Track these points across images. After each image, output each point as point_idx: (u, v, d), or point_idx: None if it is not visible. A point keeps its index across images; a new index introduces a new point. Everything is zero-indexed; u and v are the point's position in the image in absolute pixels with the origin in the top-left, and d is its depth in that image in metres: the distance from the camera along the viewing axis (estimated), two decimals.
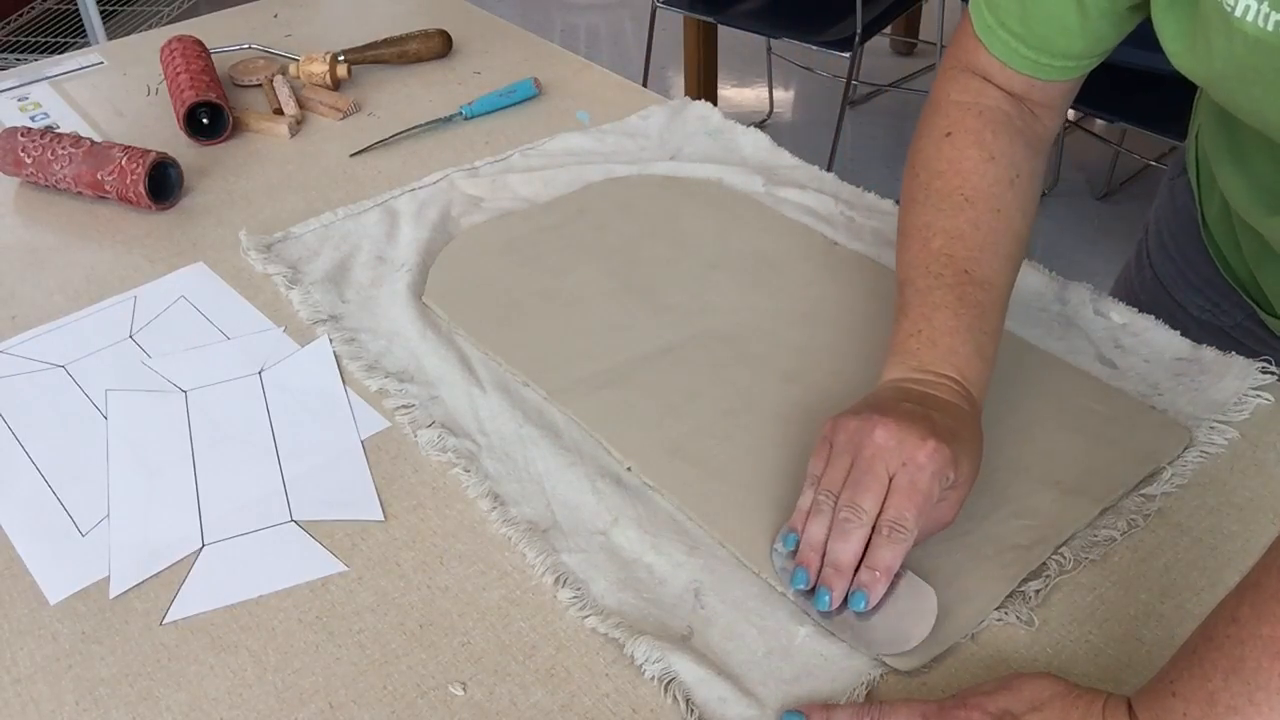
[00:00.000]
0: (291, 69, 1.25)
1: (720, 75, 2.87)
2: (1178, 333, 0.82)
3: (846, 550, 0.61)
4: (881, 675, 0.60)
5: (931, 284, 0.70)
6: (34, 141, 1.05)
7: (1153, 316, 0.84)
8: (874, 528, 0.61)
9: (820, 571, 0.62)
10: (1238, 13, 0.59)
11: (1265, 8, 0.57)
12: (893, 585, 0.62)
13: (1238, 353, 0.79)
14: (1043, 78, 0.74)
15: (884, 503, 0.61)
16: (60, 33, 2.92)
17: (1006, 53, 0.74)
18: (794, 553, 0.64)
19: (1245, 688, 0.47)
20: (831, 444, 0.65)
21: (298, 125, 1.17)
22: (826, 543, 0.62)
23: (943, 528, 0.64)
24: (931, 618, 0.61)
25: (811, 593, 0.62)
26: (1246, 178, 0.76)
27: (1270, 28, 0.58)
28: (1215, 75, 0.64)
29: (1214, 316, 0.88)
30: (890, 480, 0.61)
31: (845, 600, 0.61)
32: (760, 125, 1.55)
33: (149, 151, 1.03)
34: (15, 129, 1.07)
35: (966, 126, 0.74)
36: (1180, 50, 0.65)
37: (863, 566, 0.61)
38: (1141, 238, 0.99)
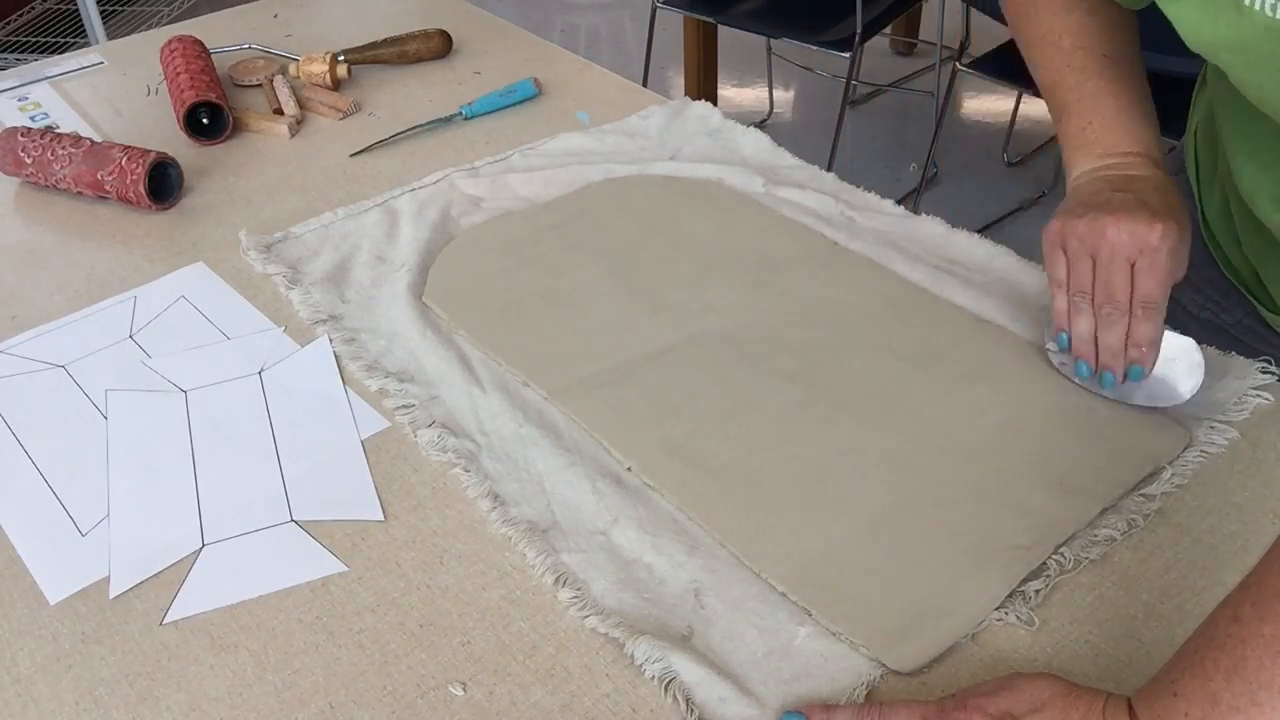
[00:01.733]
0: (291, 69, 1.25)
1: (720, 75, 2.87)
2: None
3: (1116, 337, 0.72)
4: (881, 675, 0.60)
5: (1080, 79, 0.77)
6: (34, 141, 1.05)
7: None
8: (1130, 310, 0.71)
9: (1098, 359, 0.73)
10: (1246, 1, 0.59)
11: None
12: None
13: (1238, 351, 0.79)
14: None
15: (1132, 285, 0.71)
16: (60, 33, 2.92)
17: None
18: (1067, 351, 0.76)
19: (1247, 687, 0.47)
20: (1064, 249, 0.73)
21: (298, 125, 1.17)
22: (1095, 334, 0.73)
23: (1178, 281, 0.73)
24: (1200, 369, 0.74)
25: (1093, 380, 0.75)
26: (1262, 170, 0.76)
27: (1279, 15, 0.58)
28: (1225, 60, 0.65)
29: (1214, 315, 0.88)
30: (1132, 267, 0.71)
31: (1125, 374, 0.73)
32: (760, 125, 1.55)
33: (149, 151, 1.03)
34: (15, 129, 1.07)
35: None
36: (1192, 31, 0.65)
37: (1130, 345, 0.72)
38: None
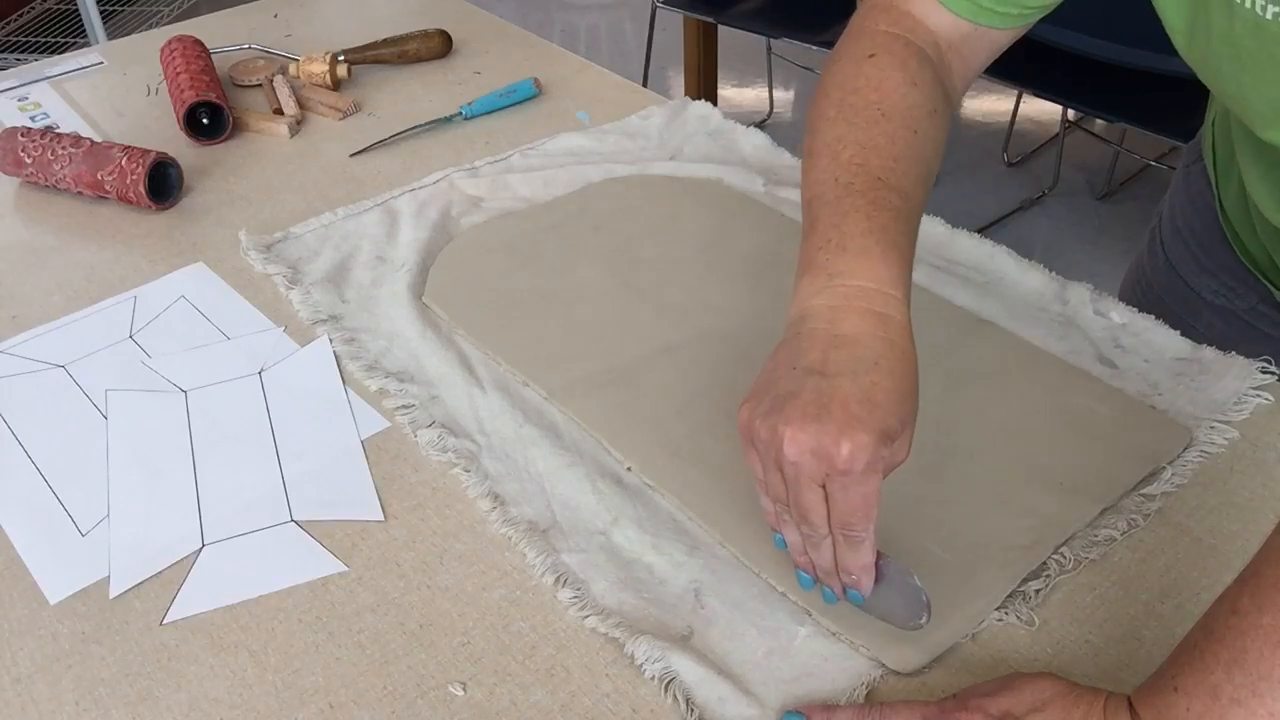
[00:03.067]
0: (291, 69, 1.25)
1: (720, 75, 2.87)
2: (1186, 327, 0.82)
3: (823, 558, 0.60)
4: (881, 675, 0.60)
5: (840, 194, 0.63)
6: (34, 141, 1.05)
7: (1163, 306, 0.84)
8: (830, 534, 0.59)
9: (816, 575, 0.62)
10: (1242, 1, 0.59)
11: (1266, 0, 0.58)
12: (882, 568, 0.61)
13: (1252, 336, 0.79)
14: (982, 23, 0.70)
15: (828, 509, 0.58)
16: (60, 33, 2.92)
17: None
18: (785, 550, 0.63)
19: (1248, 678, 0.47)
20: (754, 443, 0.60)
21: (298, 125, 1.17)
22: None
23: (898, 466, 0.59)
24: (923, 597, 0.60)
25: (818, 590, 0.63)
26: (1265, 176, 0.77)
27: (1270, 16, 0.58)
28: (1212, 55, 0.64)
29: (1229, 300, 0.88)
30: (824, 488, 0.57)
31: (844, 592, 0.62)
32: (760, 125, 1.55)
33: (149, 151, 1.03)
34: (15, 129, 1.07)
35: (892, 51, 0.69)
36: (1181, 28, 0.65)
37: (840, 569, 0.60)
38: (1154, 225, 0.99)
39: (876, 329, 0.59)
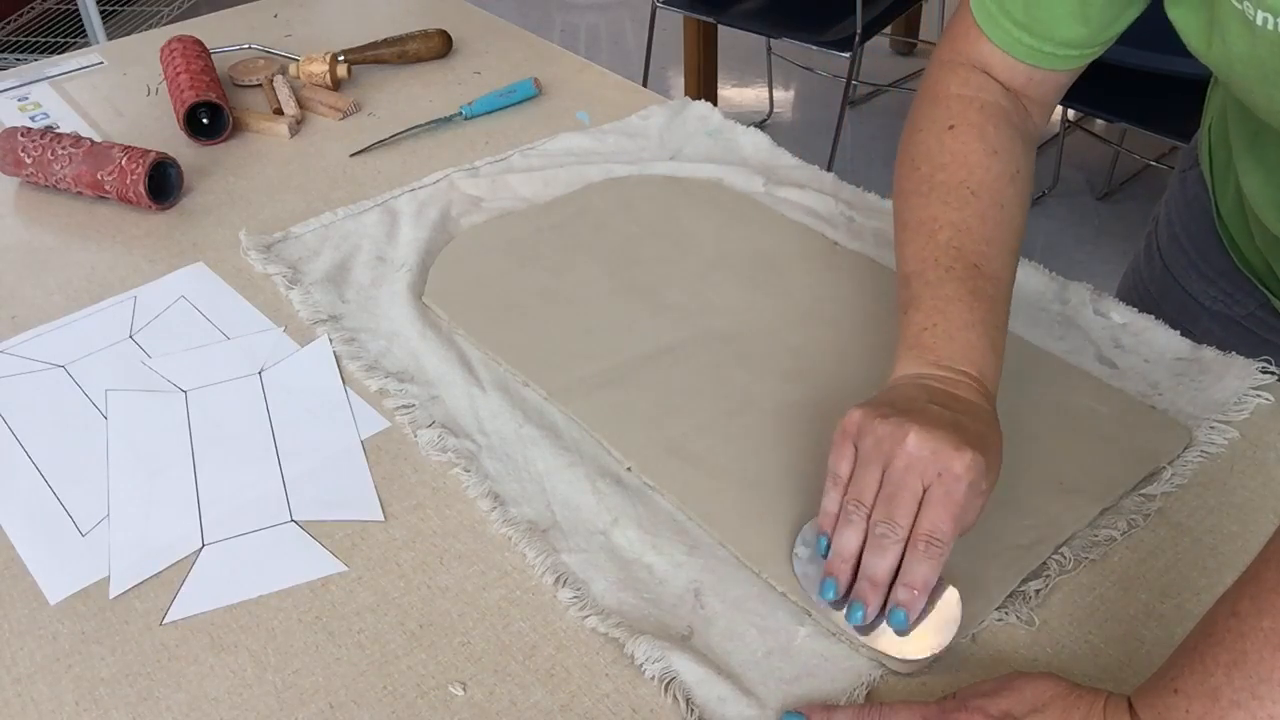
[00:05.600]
0: (291, 69, 1.25)
1: (720, 75, 2.87)
2: (1180, 330, 0.82)
3: (883, 566, 0.60)
4: (881, 676, 0.60)
5: (942, 276, 0.68)
6: (34, 141, 1.05)
7: (1159, 311, 0.84)
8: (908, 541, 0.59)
9: (852, 584, 0.61)
10: (1257, 21, 0.59)
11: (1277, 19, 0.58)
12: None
13: (1250, 342, 0.79)
14: (1045, 66, 0.74)
15: (918, 514, 0.59)
16: (60, 33, 2.92)
17: (1008, 42, 0.73)
18: (823, 557, 0.63)
19: (1248, 681, 0.47)
20: (856, 446, 0.62)
21: (298, 125, 1.17)
22: (859, 554, 0.61)
23: (966, 529, 0.61)
24: (955, 626, 0.60)
25: (839, 602, 0.61)
26: (1267, 179, 0.76)
27: None
28: (1235, 75, 0.64)
29: (1226, 307, 0.88)
30: (925, 491, 0.59)
31: (883, 613, 0.60)
32: (760, 125, 1.55)
33: (149, 151, 1.03)
34: (15, 129, 1.07)
35: (969, 120, 0.74)
36: (1200, 46, 0.65)
37: (899, 584, 0.60)
38: (1150, 230, 0.99)
39: (979, 403, 0.64)
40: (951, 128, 0.74)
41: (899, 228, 0.74)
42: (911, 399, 0.63)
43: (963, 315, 0.67)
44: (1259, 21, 0.59)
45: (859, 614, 0.60)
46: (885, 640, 0.60)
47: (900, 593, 0.60)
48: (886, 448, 0.60)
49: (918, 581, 0.59)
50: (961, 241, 0.69)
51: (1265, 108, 0.65)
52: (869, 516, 0.61)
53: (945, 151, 0.73)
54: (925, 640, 0.60)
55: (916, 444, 0.59)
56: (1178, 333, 0.82)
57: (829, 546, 0.62)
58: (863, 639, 0.60)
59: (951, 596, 0.61)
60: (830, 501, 0.63)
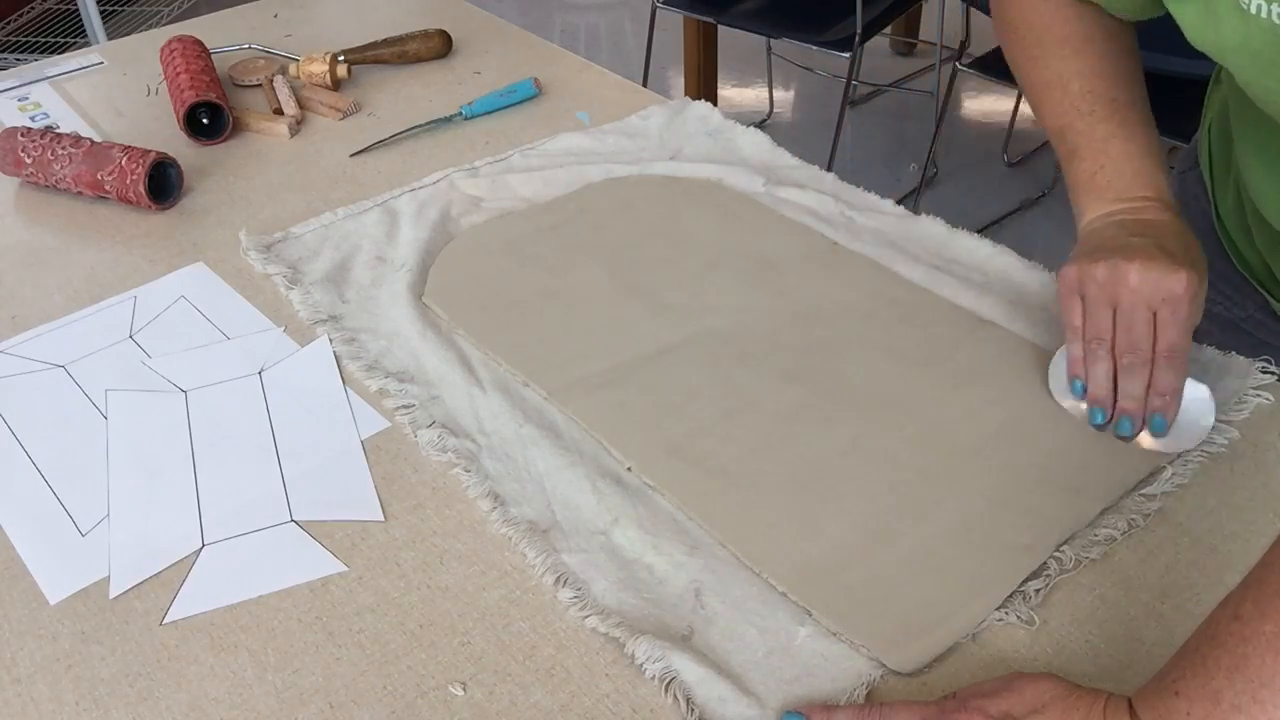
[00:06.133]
0: (291, 69, 1.25)
1: (720, 75, 2.87)
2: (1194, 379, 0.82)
3: (1139, 385, 0.71)
4: (881, 675, 0.60)
5: (1090, 123, 0.76)
6: (34, 141, 1.05)
7: None
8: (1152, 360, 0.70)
9: (1115, 406, 0.72)
10: (1250, 9, 0.59)
11: (1275, 5, 0.58)
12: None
13: (1249, 344, 0.79)
14: (1107, 8, 0.78)
15: (1154, 334, 0.70)
16: (60, 33, 2.92)
17: None
18: (1078, 396, 0.74)
19: (1249, 685, 0.47)
20: (1082, 295, 0.72)
21: (298, 125, 1.17)
22: (1113, 381, 0.72)
23: (1195, 326, 0.72)
24: (1211, 413, 0.72)
25: (1104, 426, 0.73)
26: (1269, 172, 0.76)
27: (1279, 20, 0.58)
28: (1231, 63, 0.65)
29: (1225, 309, 0.88)
30: (1154, 315, 0.70)
31: (1145, 423, 0.72)
32: (760, 125, 1.55)
33: (149, 151, 1.03)
34: (15, 129, 1.07)
35: None
36: (1196, 35, 0.65)
37: (1153, 393, 0.71)
38: None
39: (1169, 219, 0.73)
40: None
41: (1028, 89, 0.81)
42: (1113, 238, 0.72)
43: (1123, 149, 0.75)
44: (1252, 10, 0.59)
45: (1127, 426, 0.71)
46: (1150, 442, 0.72)
47: (1155, 401, 0.71)
48: (1110, 290, 0.70)
49: (1168, 389, 0.70)
50: (1093, 85, 0.76)
51: (1262, 97, 0.66)
52: (1112, 350, 0.71)
53: (1043, 14, 0.79)
54: (1194, 430, 0.72)
55: (1138, 279, 0.69)
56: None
57: (1085, 386, 0.73)
58: (1138, 444, 0.72)
59: (1199, 390, 0.73)
60: (1075, 348, 0.74)
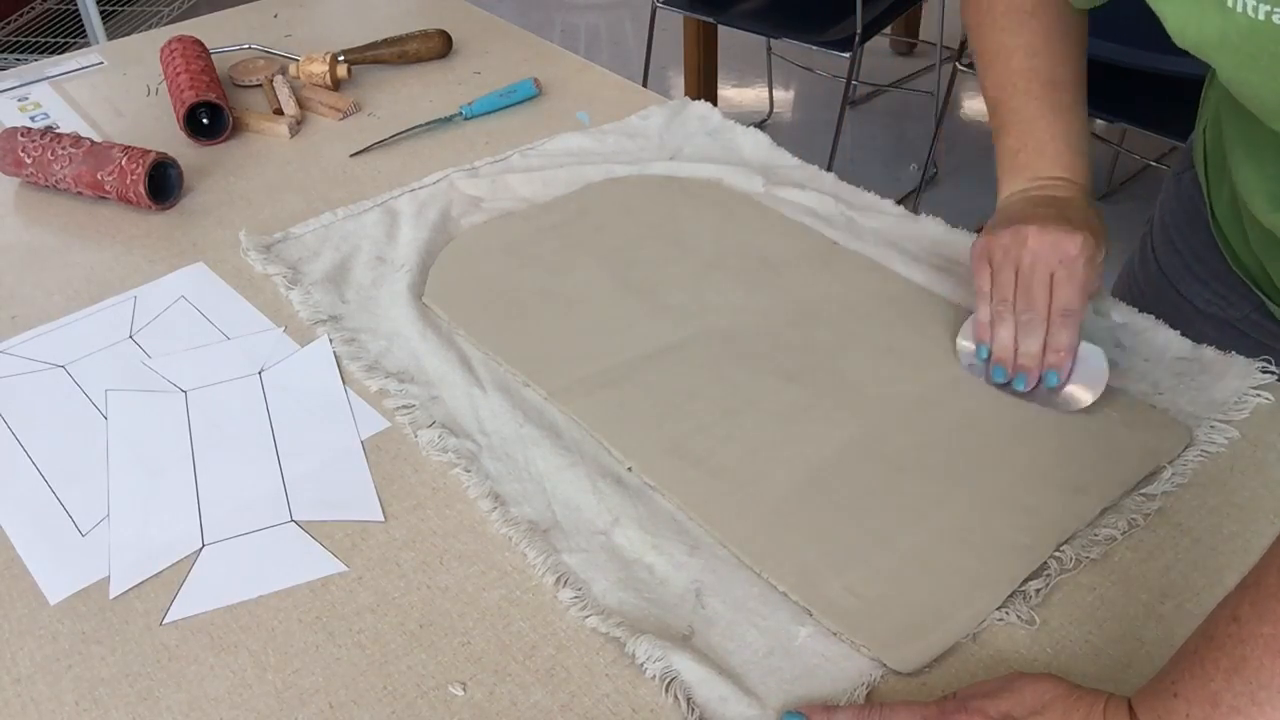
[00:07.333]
0: (291, 69, 1.25)
1: (720, 75, 2.87)
2: (1178, 332, 0.82)
3: (1035, 342, 0.76)
4: (881, 675, 0.60)
5: (1023, 100, 0.80)
6: (34, 141, 1.05)
7: (1154, 315, 0.84)
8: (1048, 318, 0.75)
9: (1015, 364, 0.76)
10: (1228, 3, 0.59)
11: (1251, 0, 0.58)
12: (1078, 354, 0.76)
13: (1245, 344, 0.79)
14: None
15: (1051, 294, 0.74)
16: (60, 33, 2.92)
17: None
18: (983, 361, 0.78)
19: (1247, 687, 0.47)
20: (990, 261, 0.77)
21: (298, 125, 1.17)
22: (1015, 340, 0.76)
23: (1094, 293, 0.77)
24: (1104, 369, 0.76)
25: (1007, 383, 0.77)
26: (1259, 169, 0.76)
27: (1260, 17, 0.58)
28: (1214, 60, 0.65)
29: (1221, 309, 0.88)
30: (1052, 276, 0.74)
31: (1040, 378, 0.76)
32: (760, 125, 1.55)
33: (149, 151, 1.03)
34: (15, 129, 1.07)
35: None
36: (1178, 28, 0.65)
37: (1048, 351, 0.75)
38: (1145, 233, 0.99)
39: (1075, 195, 0.78)
40: None
41: (977, 58, 0.84)
42: (1019, 211, 0.77)
43: (1048, 130, 0.79)
44: (1229, 3, 0.59)
45: (1022, 382, 0.76)
46: (1048, 398, 0.75)
47: (1050, 357, 0.76)
48: (1014, 252, 0.75)
49: (1061, 346, 0.75)
50: (1032, 62, 0.80)
51: (1244, 93, 0.66)
52: (1014, 310, 0.76)
53: None
54: (1080, 394, 0.75)
55: (1036, 240, 0.74)
56: (1177, 332, 0.82)
57: (990, 351, 0.78)
58: (1033, 403, 0.76)
59: (1092, 350, 0.76)
60: (982, 313, 0.78)
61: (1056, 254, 0.74)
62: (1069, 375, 0.76)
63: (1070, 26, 0.81)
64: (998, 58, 0.81)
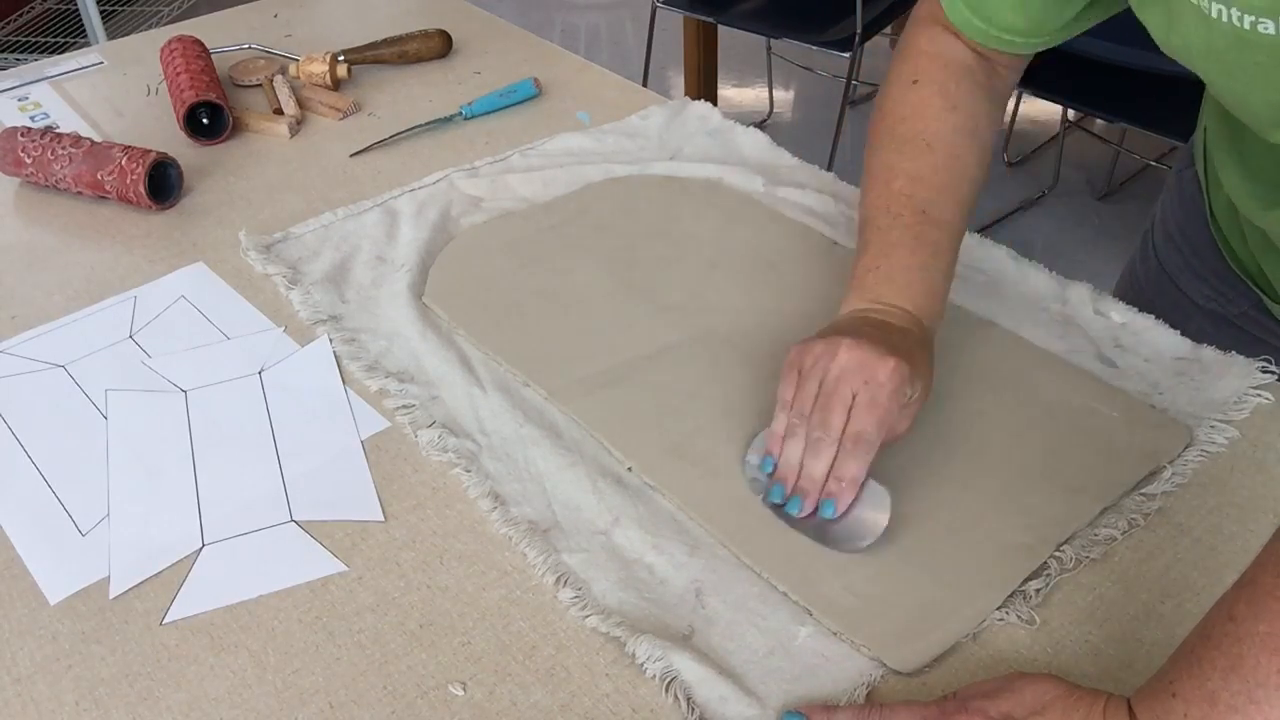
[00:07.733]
0: (291, 69, 1.25)
1: (720, 75, 2.87)
2: (1178, 331, 0.82)
3: (819, 466, 0.68)
4: (881, 675, 0.60)
5: (890, 223, 0.75)
6: (34, 141, 1.05)
7: (1153, 311, 0.84)
8: (840, 442, 0.67)
9: (795, 485, 0.69)
10: (1212, 14, 0.59)
11: (1235, 10, 0.58)
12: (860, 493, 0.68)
13: (1243, 340, 0.79)
14: (991, 47, 0.78)
15: (848, 418, 0.67)
16: (60, 33, 2.92)
17: (960, 20, 0.77)
18: (771, 474, 0.70)
19: (1244, 686, 0.47)
20: (799, 370, 0.70)
21: (298, 125, 1.17)
22: (801, 460, 0.68)
23: (898, 439, 0.70)
24: (885, 517, 0.67)
25: (783, 505, 0.69)
26: (1245, 172, 0.77)
27: (1246, 26, 0.58)
28: (1198, 67, 0.65)
29: (1220, 305, 0.89)
30: (854, 398, 0.66)
31: (815, 508, 0.68)
32: (760, 125, 1.55)
33: (149, 151, 1.03)
34: (15, 129, 1.07)
35: (932, 76, 0.78)
36: (1163, 39, 0.66)
37: (831, 478, 0.67)
38: (1147, 229, 0.99)
39: (910, 327, 0.72)
40: (915, 82, 0.78)
41: (864, 174, 0.80)
42: (846, 326, 0.71)
43: (904, 259, 0.74)
44: (1213, 14, 0.59)
45: (796, 506, 0.68)
46: (820, 533, 0.67)
47: (831, 485, 0.67)
48: (823, 364, 0.68)
49: (846, 475, 0.67)
50: (913, 190, 0.75)
51: (1229, 100, 0.66)
52: (809, 426, 0.68)
53: (907, 104, 0.78)
54: (855, 532, 0.67)
55: (846, 356, 0.67)
56: (1177, 332, 0.82)
57: (775, 464, 0.70)
58: (804, 534, 0.67)
59: (879, 493, 0.68)
60: (778, 424, 0.70)
61: (863, 374, 0.66)
62: (847, 512, 0.67)
63: (968, 169, 0.77)
64: (879, 177, 0.77)
